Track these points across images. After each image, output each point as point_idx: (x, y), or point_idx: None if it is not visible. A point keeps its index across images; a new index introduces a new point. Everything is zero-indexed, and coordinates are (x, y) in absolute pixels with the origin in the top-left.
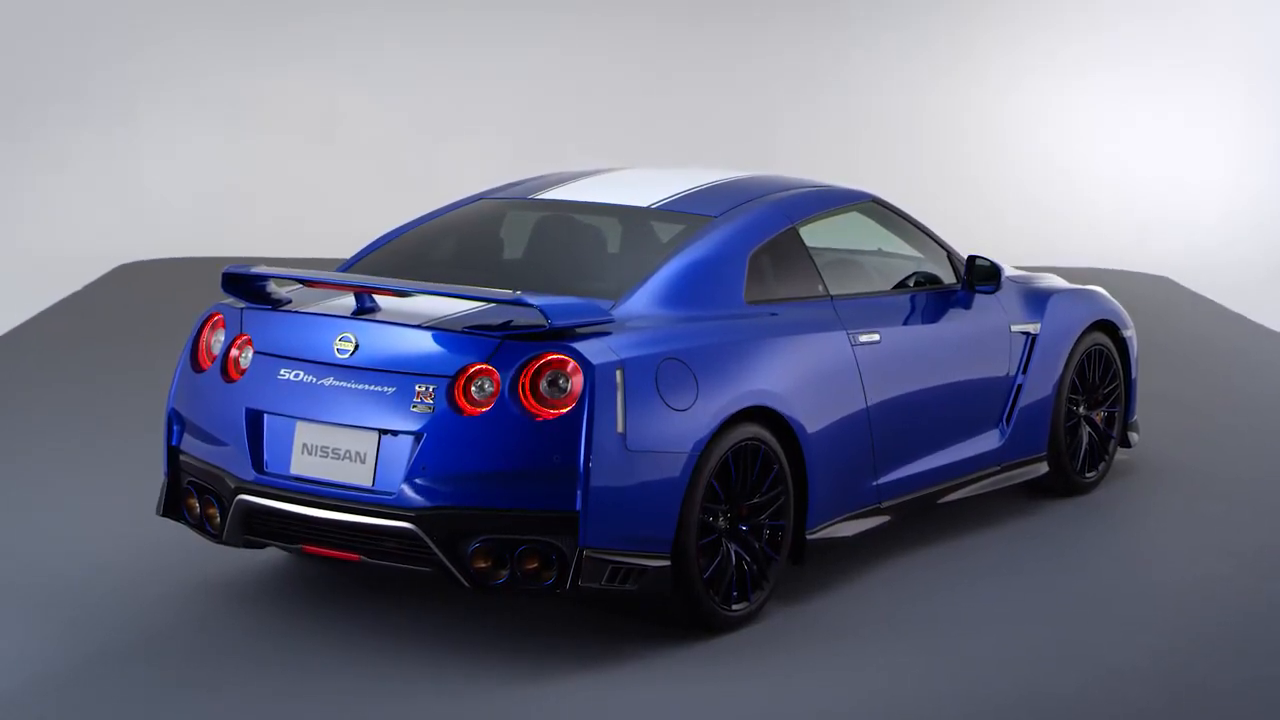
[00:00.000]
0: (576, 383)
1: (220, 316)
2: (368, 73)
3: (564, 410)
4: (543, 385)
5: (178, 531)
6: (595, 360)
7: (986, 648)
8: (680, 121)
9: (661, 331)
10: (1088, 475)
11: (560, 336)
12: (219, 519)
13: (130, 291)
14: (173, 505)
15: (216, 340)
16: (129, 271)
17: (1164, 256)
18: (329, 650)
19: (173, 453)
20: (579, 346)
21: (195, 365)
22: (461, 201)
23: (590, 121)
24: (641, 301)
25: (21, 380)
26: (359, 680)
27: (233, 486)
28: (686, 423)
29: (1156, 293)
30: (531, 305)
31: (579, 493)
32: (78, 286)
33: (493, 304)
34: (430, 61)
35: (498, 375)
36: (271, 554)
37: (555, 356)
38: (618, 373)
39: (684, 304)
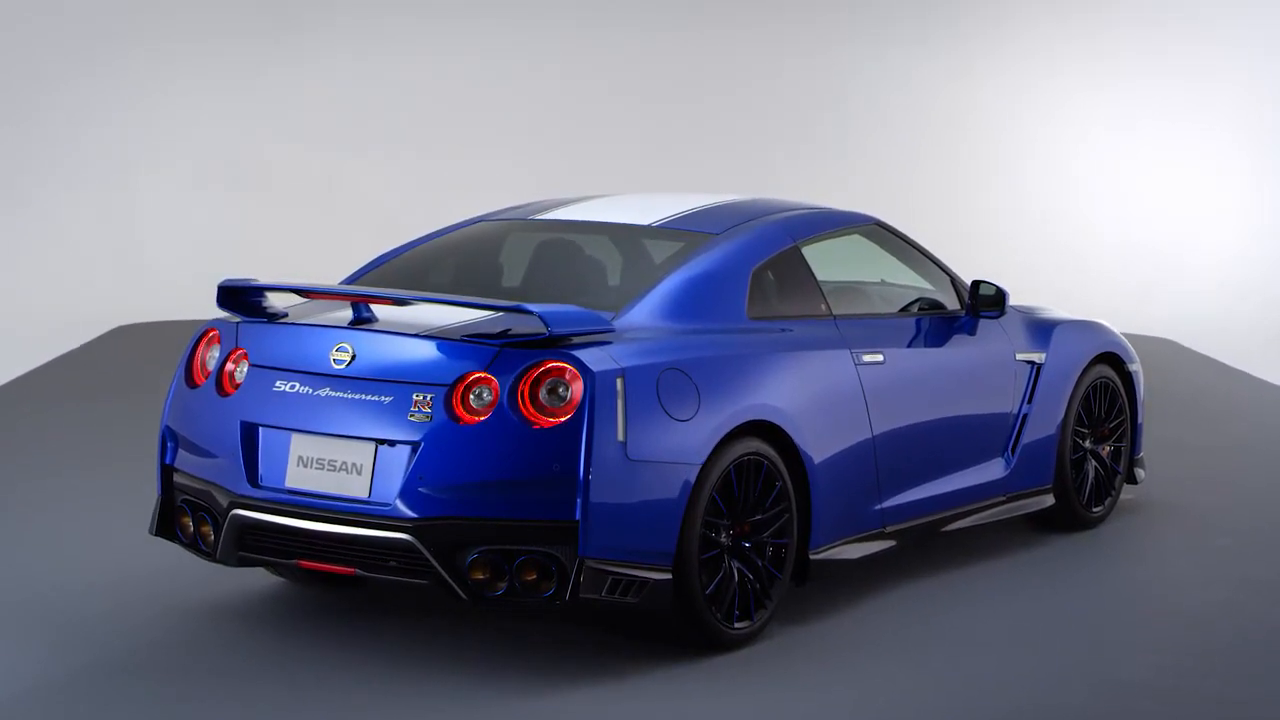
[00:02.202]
0: (576, 390)
1: (215, 332)
2: (367, 138)
3: (564, 418)
4: (542, 393)
5: (172, 557)
6: (596, 368)
7: (991, 666)
8: (678, 151)
9: (663, 342)
10: (1094, 510)
11: (560, 344)
12: (213, 537)
13: (125, 350)
14: (166, 524)
15: (211, 356)
16: (125, 332)
17: (1165, 320)
18: (321, 667)
19: (166, 471)
20: (579, 354)
21: (189, 381)
22: (461, 223)
23: (586, 153)
24: (643, 313)
25: (14, 425)
26: (351, 696)
27: (227, 502)
28: (688, 434)
29: (1161, 352)
30: (531, 312)
31: (579, 501)
32: (73, 345)
33: (491, 312)
34: (428, 125)
35: (496, 383)
36: (266, 578)
37: (555, 364)
38: (618, 381)
39: (686, 317)
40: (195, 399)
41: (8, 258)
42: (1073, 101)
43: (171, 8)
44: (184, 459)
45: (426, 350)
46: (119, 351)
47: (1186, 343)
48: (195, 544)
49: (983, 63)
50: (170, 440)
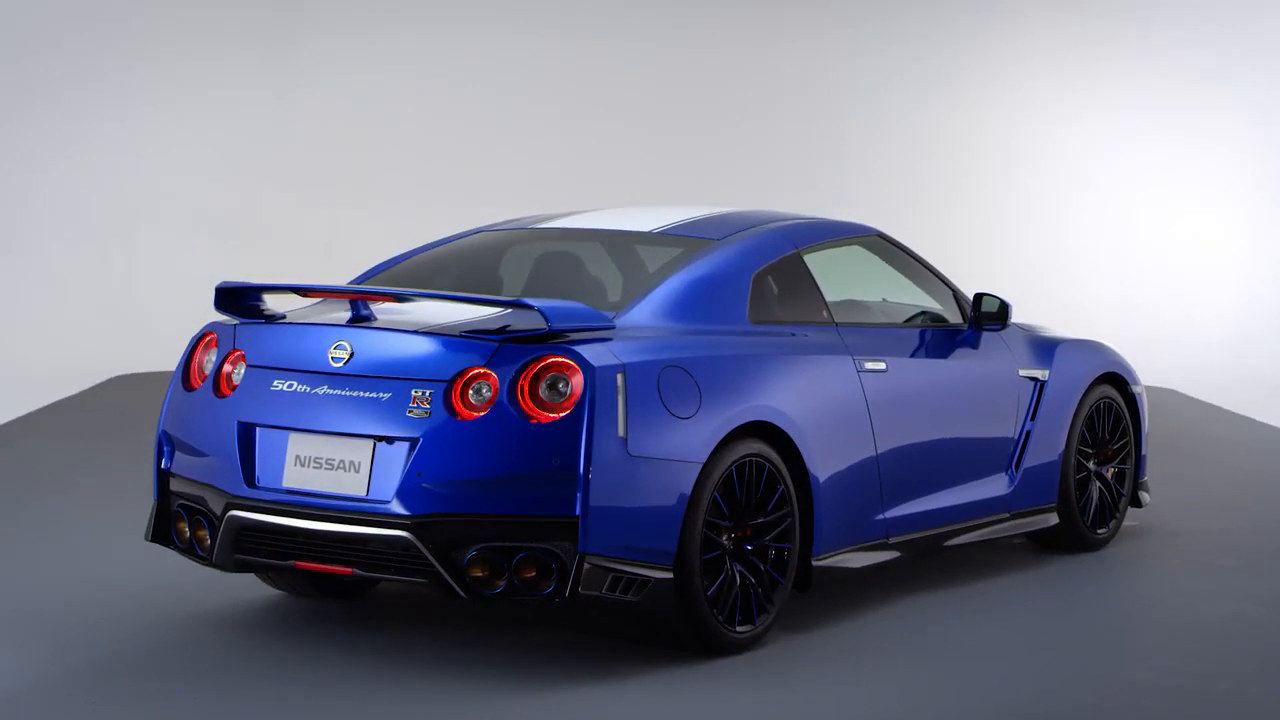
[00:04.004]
0: (576, 385)
1: (213, 335)
2: (366, 186)
3: (564, 414)
4: (542, 388)
5: (170, 567)
6: (596, 363)
7: (997, 670)
8: (678, 168)
9: (664, 340)
10: (1099, 532)
11: (560, 340)
12: (209, 540)
13: (122, 397)
14: (162, 529)
15: (209, 360)
16: (122, 382)
17: (1167, 372)
18: (320, 669)
19: (163, 476)
20: (580, 349)
21: (186, 384)
22: (462, 234)
23: (585, 175)
24: (644, 313)
25: (12, 455)
26: (350, 697)
27: (223, 504)
28: (689, 432)
29: (1164, 400)
30: (531, 307)
31: (579, 497)
32: (71, 392)
33: (491, 308)
34: (426, 173)
35: (496, 379)
36: (263, 587)
37: (555, 359)
38: (619, 376)
39: (687, 318)
40: (192, 402)
41: (4, 307)
42: (1075, 127)
43: (171, 59)
44: (181, 462)
45: (425, 346)
46: (116, 399)
47: (1189, 392)
48: (192, 549)
49: (986, 83)
50: (167, 445)
